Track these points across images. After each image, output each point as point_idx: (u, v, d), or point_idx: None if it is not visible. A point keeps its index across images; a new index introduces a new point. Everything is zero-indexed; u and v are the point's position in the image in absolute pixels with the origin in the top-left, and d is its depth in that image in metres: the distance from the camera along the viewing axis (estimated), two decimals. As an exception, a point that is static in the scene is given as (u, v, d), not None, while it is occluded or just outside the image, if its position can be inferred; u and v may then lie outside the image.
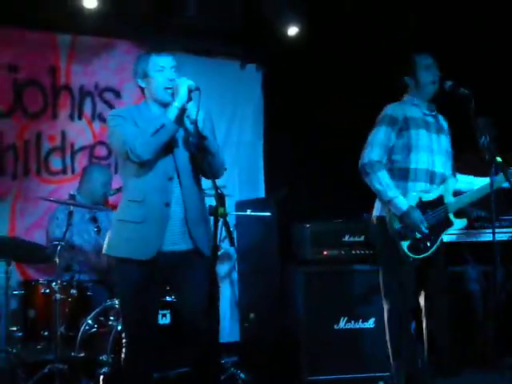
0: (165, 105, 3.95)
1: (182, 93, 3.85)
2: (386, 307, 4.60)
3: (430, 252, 4.54)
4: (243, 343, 6.62)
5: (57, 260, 5.08)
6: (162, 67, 3.97)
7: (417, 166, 4.57)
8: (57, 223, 5.59)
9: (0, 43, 6.06)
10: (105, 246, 4.04)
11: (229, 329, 6.77)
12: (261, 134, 7.30)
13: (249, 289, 6.62)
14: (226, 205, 4.05)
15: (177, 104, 3.86)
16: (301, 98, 6.94)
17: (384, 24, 6.41)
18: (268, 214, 6.07)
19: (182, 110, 3.87)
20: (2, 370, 5.12)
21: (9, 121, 6.18)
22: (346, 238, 5.79)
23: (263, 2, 6.43)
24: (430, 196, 4.58)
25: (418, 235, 4.49)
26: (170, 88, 3.93)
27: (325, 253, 5.72)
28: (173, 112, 3.85)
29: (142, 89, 4.06)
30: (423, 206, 4.53)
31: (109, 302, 5.11)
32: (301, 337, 5.58)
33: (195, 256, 3.96)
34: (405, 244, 4.49)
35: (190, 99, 3.86)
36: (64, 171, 6.38)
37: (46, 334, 5.20)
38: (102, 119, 6.52)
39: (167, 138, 3.86)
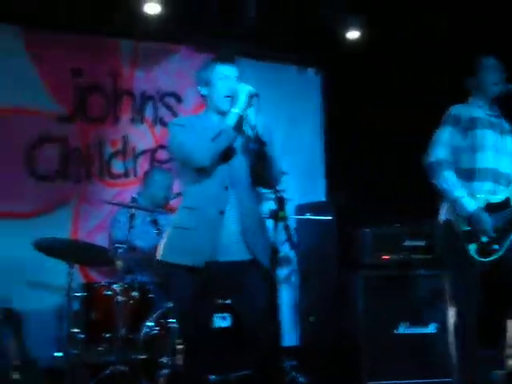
0: (224, 114, 3.95)
1: (242, 99, 3.86)
2: (451, 311, 4.53)
3: (498, 255, 4.46)
4: (302, 347, 6.60)
5: (118, 262, 5.14)
6: (226, 76, 3.99)
7: (483, 165, 4.50)
8: (118, 226, 5.67)
9: (64, 49, 6.18)
10: (159, 252, 4.07)
11: (288, 332, 6.76)
12: (320, 137, 7.28)
13: (308, 292, 6.60)
14: (286, 208, 4.09)
15: (236, 110, 3.86)
16: (361, 101, 6.89)
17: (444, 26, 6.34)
18: (328, 217, 6.06)
19: (242, 117, 3.87)
20: (63, 372, 5.21)
21: (72, 125, 6.29)
22: (407, 243, 5.74)
23: (322, 5, 6.40)
24: (497, 197, 4.50)
25: (486, 238, 4.42)
26: (230, 96, 3.93)
27: (385, 257, 5.69)
28: (232, 118, 3.86)
29: (204, 97, 4.09)
30: (490, 207, 4.46)
31: (170, 305, 5.14)
32: (360, 341, 5.54)
33: (252, 266, 3.95)
34: (472, 247, 4.43)
35: (249, 105, 3.87)
36: (126, 175, 6.47)
37: (107, 335, 5.23)
38: (164, 123, 6.60)
39: (226, 145, 3.87)
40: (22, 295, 5.68)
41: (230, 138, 3.87)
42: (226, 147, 3.88)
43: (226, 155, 3.92)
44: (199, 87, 4.07)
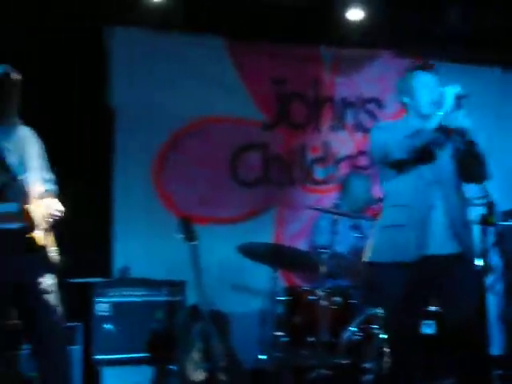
0: (426, 118, 3.92)
1: (449, 101, 3.80)
2: None
3: None
4: (508, 356, 6.35)
5: (322, 267, 5.16)
6: (427, 84, 3.98)
7: None
8: (320, 231, 5.69)
9: (267, 58, 6.32)
10: (366, 254, 4.07)
11: (493, 341, 6.53)
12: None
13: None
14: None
15: (441, 113, 3.81)
16: None
17: None
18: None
19: (447, 118, 3.81)
20: (267, 374, 5.30)
21: (274, 132, 6.42)
22: None
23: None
24: None
25: None
26: (434, 103, 3.90)
27: None
28: (435, 120, 3.82)
29: (405, 104, 4.11)
30: None
31: (372, 310, 5.09)
32: None
33: (461, 261, 3.90)
34: None
35: (457, 107, 3.81)
36: (327, 181, 6.51)
37: (310, 339, 5.28)
38: (364, 129, 6.59)
39: (422, 143, 3.83)
40: (227, 298, 5.82)
41: (428, 136, 3.83)
42: (424, 145, 3.85)
43: (427, 154, 3.90)
44: (400, 96, 4.11)
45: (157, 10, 5.72)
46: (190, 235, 5.10)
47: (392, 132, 3.98)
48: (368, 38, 6.32)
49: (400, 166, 3.92)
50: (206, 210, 6.11)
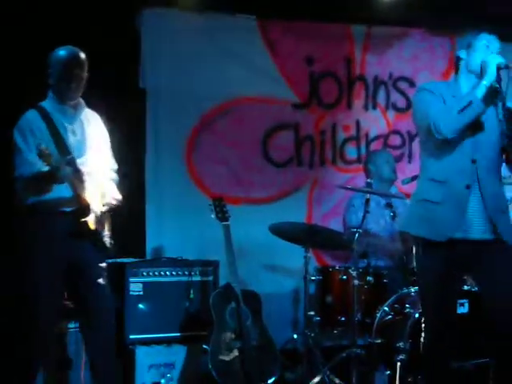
0: (480, 77, 3.75)
1: (491, 71, 3.68)
2: None
3: None
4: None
5: (354, 247, 5.15)
6: (488, 45, 3.82)
7: None
8: (353, 210, 5.68)
9: (298, 37, 6.29)
10: (402, 223, 4.07)
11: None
12: None
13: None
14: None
15: (485, 82, 3.68)
16: None
17: None
18: None
19: (491, 89, 3.69)
20: (300, 353, 5.32)
21: (305, 112, 6.40)
22: None
23: None
24: None
25: None
26: (482, 65, 3.75)
27: None
28: (481, 90, 3.68)
29: (460, 60, 3.92)
30: None
31: (405, 290, 5.08)
32: None
33: (499, 245, 3.79)
34: None
35: (499, 78, 3.68)
36: (359, 160, 6.48)
37: (342, 319, 5.29)
38: (396, 108, 6.60)
39: (473, 118, 3.70)
40: (259, 278, 5.86)
41: (478, 110, 3.70)
42: (473, 120, 3.72)
43: (473, 128, 3.77)
44: (460, 50, 3.93)
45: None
46: (222, 215, 5.11)
47: (439, 99, 3.82)
48: (400, 16, 6.26)
49: (445, 143, 3.77)
50: (238, 190, 6.13)
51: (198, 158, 6.06)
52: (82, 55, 4.23)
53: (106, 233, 4.26)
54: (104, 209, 4.22)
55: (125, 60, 5.63)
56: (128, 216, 5.19)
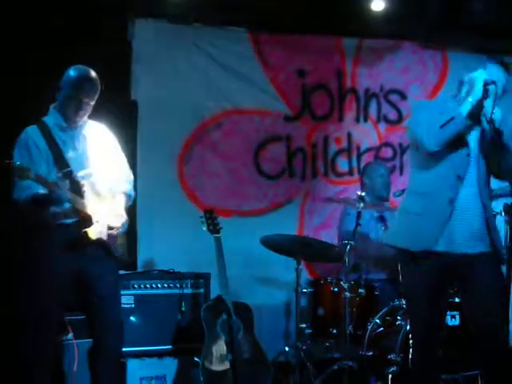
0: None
1: (478, 87, 3.71)
2: None
3: None
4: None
5: (346, 259, 5.15)
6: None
7: None
8: (349, 219, 5.63)
9: (290, 50, 6.31)
10: (389, 236, 4.09)
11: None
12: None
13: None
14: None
15: (470, 99, 3.72)
16: None
17: None
18: None
19: (477, 106, 3.72)
20: (292, 365, 5.31)
21: (297, 124, 6.40)
22: None
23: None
24: None
25: None
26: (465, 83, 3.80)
27: None
28: (466, 107, 3.72)
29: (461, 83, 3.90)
30: None
31: (396, 302, 5.10)
32: None
33: (487, 258, 3.80)
34: None
35: (486, 95, 3.70)
36: (350, 173, 6.50)
37: (334, 331, 5.29)
38: (388, 121, 6.61)
39: (455, 133, 3.73)
40: (251, 290, 5.85)
41: (460, 126, 3.73)
42: (455, 135, 3.74)
43: (457, 143, 3.79)
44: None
45: (181, 2, 5.72)
46: (213, 228, 5.10)
47: (427, 114, 3.83)
48: (391, 29, 6.30)
49: (431, 156, 3.80)
50: (230, 202, 6.13)
51: (190, 170, 6.06)
52: (95, 76, 4.23)
53: (117, 243, 4.28)
54: (117, 225, 4.25)
55: (116, 72, 5.62)
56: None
